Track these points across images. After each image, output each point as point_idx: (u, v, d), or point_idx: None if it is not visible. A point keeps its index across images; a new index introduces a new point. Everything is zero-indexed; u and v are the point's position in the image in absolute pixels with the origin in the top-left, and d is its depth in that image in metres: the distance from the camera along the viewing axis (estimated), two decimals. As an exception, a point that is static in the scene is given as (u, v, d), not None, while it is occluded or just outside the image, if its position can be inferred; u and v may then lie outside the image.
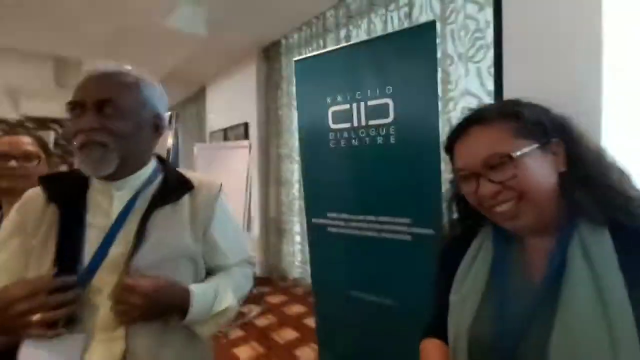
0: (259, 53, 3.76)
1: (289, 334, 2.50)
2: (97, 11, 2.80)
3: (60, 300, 0.61)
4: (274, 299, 3.19)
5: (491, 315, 0.55)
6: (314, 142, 1.60)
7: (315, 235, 1.67)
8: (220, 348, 2.28)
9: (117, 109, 0.67)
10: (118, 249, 0.68)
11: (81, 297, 0.64)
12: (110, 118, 0.67)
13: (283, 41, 3.51)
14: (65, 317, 0.61)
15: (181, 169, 0.85)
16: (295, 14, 3.03)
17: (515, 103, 0.58)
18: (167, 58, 3.79)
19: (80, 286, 0.64)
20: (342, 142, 1.50)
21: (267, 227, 3.84)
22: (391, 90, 1.35)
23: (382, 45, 1.40)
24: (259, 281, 3.61)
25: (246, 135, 3.92)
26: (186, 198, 0.78)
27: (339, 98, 1.49)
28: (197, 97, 5.42)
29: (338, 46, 1.54)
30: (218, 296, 0.75)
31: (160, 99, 0.77)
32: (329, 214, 1.58)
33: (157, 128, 0.77)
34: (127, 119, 0.69)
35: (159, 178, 0.78)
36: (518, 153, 0.51)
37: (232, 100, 4.30)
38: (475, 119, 0.57)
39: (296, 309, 2.97)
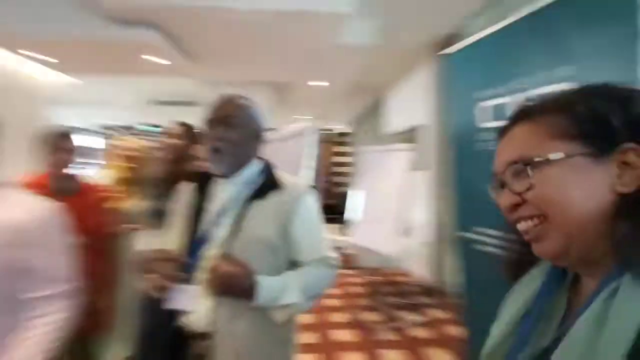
0: (434, 50, 3.58)
1: (439, 356, 2.28)
2: (291, 41, 3.42)
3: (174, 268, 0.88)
4: (435, 313, 2.98)
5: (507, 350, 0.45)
6: (460, 144, 1.42)
7: (462, 251, 1.47)
8: (366, 345, 2.36)
9: (231, 124, 0.91)
10: (220, 232, 0.90)
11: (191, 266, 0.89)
12: (231, 129, 0.90)
13: (460, 32, 3.19)
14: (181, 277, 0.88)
15: (281, 173, 0.99)
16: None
17: (582, 91, 0.40)
18: (346, 71, 4.20)
19: (193, 256, 0.89)
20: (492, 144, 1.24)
21: (439, 235, 3.62)
22: (571, 72, 1.00)
23: (557, 15, 1.06)
24: (422, 290, 3.46)
25: (414, 139, 3.83)
26: (274, 196, 0.91)
27: (491, 91, 1.24)
28: (375, 104, 5.73)
29: (490, 31, 1.28)
30: (285, 292, 0.85)
31: (262, 119, 0.98)
32: (475, 229, 1.35)
33: (257, 139, 0.97)
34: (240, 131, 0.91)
35: (260, 178, 0.95)
36: (542, 158, 0.38)
37: (406, 103, 4.29)
38: (523, 112, 0.42)
39: (454, 328, 2.66)
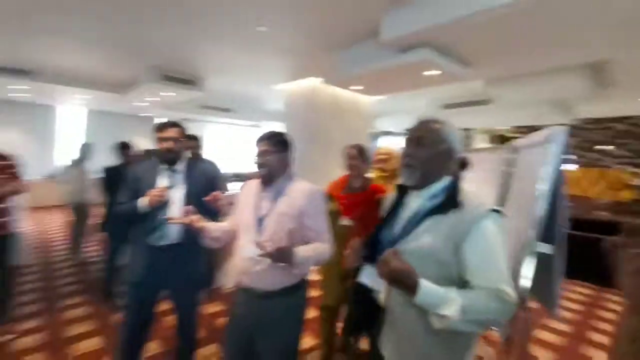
0: None
1: None
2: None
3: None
4: None
5: None
6: None
7: None
8: None
9: (420, 143, 1.05)
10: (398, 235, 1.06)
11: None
12: (421, 148, 1.05)
13: None
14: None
15: (468, 193, 1.02)
16: None
17: None
18: None
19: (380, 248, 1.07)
20: None
21: None
22: None
23: None
24: None
25: None
26: (454, 213, 0.97)
27: None
28: None
29: None
30: (445, 303, 0.88)
31: (456, 139, 1.06)
32: None
33: (448, 158, 1.05)
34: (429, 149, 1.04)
35: (444, 194, 1.02)
36: None
37: None
38: None
39: None
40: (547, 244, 1.57)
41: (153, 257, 1.80)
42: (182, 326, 2.02)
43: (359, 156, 2.16)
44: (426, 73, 3.60)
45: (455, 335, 0.95)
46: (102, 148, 4.97)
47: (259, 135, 1.51)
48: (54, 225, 6.25)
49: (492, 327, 1.01)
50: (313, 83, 5.03)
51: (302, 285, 1.47)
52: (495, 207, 0.98)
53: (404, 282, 0.90)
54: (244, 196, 1.57)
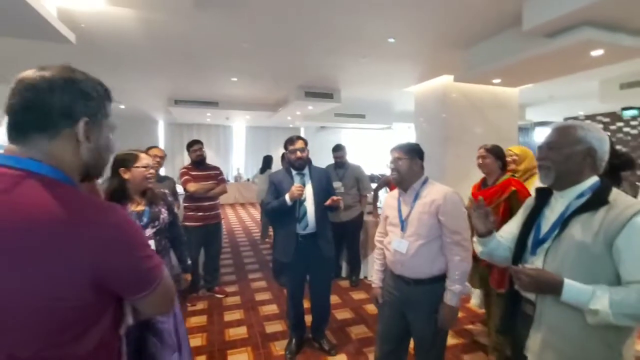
0: None
1: None
2: None
3: None
4: None
5: None
6: None
7: None
8: None
9: (552, 147, 1.13)
10: (551, 236, 1.11)
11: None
12: (552, 151, 1.13)
13: None
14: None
15: (618, 191, 1.05)
16: None
17: None
18: None
19: (532, 251, 1.17)
20: None
21: None
22: None
23: None
24: None
25: None
26: (604, 210, 1.01)
27: None
28: None
29: None
30: (593, 298, 0.94)
31: (596, 139, 1.09)
32: None
33: (588, 157, 1.09)
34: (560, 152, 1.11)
35: (590, 193, 1.07)
36: None
37: None
38: None
39: None
40: None
41: (298, 243, 2.32)
42: (317, 302, 2.49)
43: (488, 155, 2.21)
44: (591, 54, 3.11)
45: (609, 330, 0.97)
46: (260, 156, 6.26)
47: (394, 144, 1.79)
48: (240, 219, 8.11)
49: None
50: (444, 81, 4.95)
51: (444, 276, 1.67)
52: None
53: (548, 286, 1.00)
54: (388, 202, 1.88)
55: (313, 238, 2.34)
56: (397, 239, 1.70)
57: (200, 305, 3.27)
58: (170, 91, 6.50)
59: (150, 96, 6.88)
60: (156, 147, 3.07)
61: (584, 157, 1.08)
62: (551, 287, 1.00)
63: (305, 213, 2.32)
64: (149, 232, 1.77)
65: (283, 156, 4.25)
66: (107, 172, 1.79)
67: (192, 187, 3.24)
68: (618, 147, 8.09)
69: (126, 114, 9.03)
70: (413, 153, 1.72)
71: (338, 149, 3.84)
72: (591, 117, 8.52)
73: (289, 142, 2.40)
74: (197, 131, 10.83)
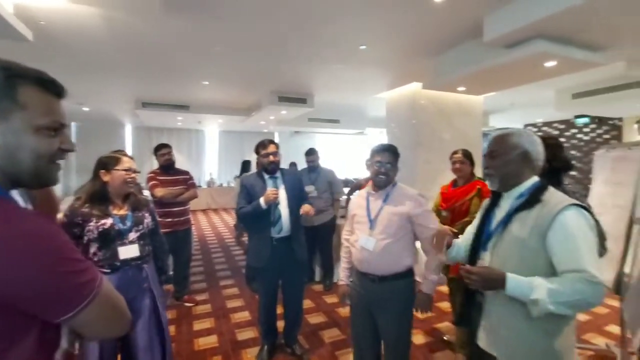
0: None
1: None
2: None
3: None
4: None
5: None
6: None
7: None
8: None
9: (492, 156, 1.26)
10: (496, 233, 1.23)
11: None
12: (494, 159, 1.25)
13: None
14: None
15: (553, 190, 1.17)
16: None
17: None
18: None
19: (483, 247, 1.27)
20: None
21: None
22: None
23: None
24: None
25: None
26: (538, 208, 1.12)
27: None
28: None
29: None
30: (532, 289, 1.02)
31: (529, 142, 1.20)
32: None
33: (524, 160, 1.20)
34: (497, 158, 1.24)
35: (529, 194, 1.17)
36: None
37: None
38: None
39: None
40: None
41: (273, 247, 2.30)
42: (290, 306, 2.47)
43: (465, 160, 2.39)
44: (545, 65, 3.34)
45: (549, 319, 1.05)
46: (233, 161, 6.16)
47: (379, 147, 1.80)
48: (212, 224, 7.91)
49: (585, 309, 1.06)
50: (413, 88, 5.12)
51: (409, 273, 1.75)
52: (579, 203, 1.09)
53: (494, 282, 1.08)
54: (355, 201, 1.93)
55: (287, 241, 2.33)
56: (364, 237, 1.76)
57: (168, 315, 3.14)
58: (138, 93, 6.27)
59: (116, 98, 6.60)
60: (120, 151, 2.94)
61: (521, 160, 1.20)
62: (496, 282, 1.07)
63: (279, 216, 2.31)
64: (132, 236, 1.71)
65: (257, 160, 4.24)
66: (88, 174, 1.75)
67: (160, 192, 3.13)
68: (573, 152, 8.60)
69: (90, 116, 8.61)
70: (397, 156, 1.80)
71: (310, 153, 3.86)
72: (548, 124, 9.10)
73: (261, 146, 2.38)
74: (167, 135, 10.51)
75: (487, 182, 1.31)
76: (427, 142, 5.09)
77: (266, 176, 2.39)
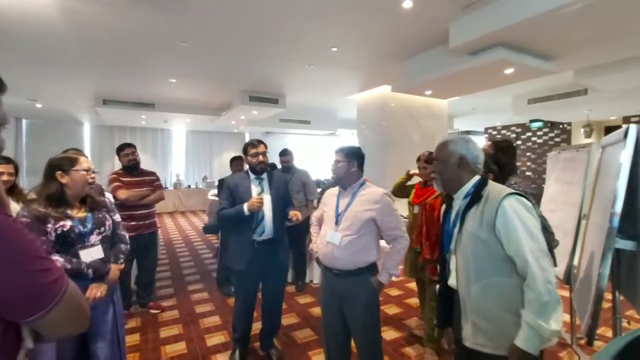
0: None
1: None
2: None
3: None
4: None
5: None
6: None
7: None
8: None
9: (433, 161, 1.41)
10: (455, 230, 1.33)
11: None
12: (435, 165, 1.40)
13: None
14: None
15: (493, 184, 1.28)
16: None
17: None
18: None
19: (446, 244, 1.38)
20: None
21: None
22: None
23: None
24: None
25: None
26: (483, 203, 1.23)
27: None
28: None
29: None
30: (528, 328, 1.09)
31: (465, 148, 1.31)
32: None
33: (462, 164, 1.31)
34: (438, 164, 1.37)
35: (472, 192, 1.28)
36: None
37: None
38: None
39: None
40: (631, 241, 1.57)
41: (254, 250, 2.25)
42: (270, 310, 2.44)
43: (427, 166, 2.46)
44: (504, 72, 3.55)
45: (519, 302, 1.14)
46: (201, 162, 5.94)
47: (336, 147, 1.91)
48: (180, 228, 7.61)
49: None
50: (383, 91, 5.25)
51: (371, 267, 1.81)
52: (516, 191, 1.20)
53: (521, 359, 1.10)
54: (327, 197, 1.99)
55: (270, 244, 2.27)
56: (330, 232, 1.83)
57: (132, 323, 2.99)
58: (98, 90, 5.92)
59: (74, 94, 6.19)
60: (75, 149, 2.75)
61: (458, 165, 1.31)
62: (522, 355, 1.09)
63: (262, 219, 2.25)
64: (94, 238, 1.62)
65: (232, 161, 4.09)
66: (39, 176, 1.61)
67: (124, 194, 2.97)
68: (528, 154, 9.14)
69: (44, 113, 8.01)
70: (351, 157, 1.84)
71: (285, 154, 3.84)
72: (507, 127, 9.67)
73: (251, 145, 2.32)
74: (130, 134, 10.01)
75: (434, 185, 1.42)
76: (397, 143, 5.24)
77: (252, 176, 2.34)
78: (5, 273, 0.53)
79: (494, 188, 1.25)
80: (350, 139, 11.16)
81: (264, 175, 2.37)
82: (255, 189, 2.27)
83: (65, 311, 0.60)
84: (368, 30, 3.32)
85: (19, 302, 0.56)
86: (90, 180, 1.64)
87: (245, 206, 2.17)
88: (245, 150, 2.36)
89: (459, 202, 1.33)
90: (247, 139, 10.69)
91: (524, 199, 1.19)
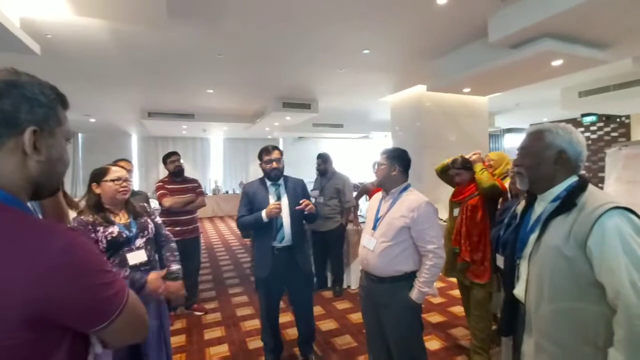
0: None
1: None
2: None
3: None
4: None
5: None
6: None
7: None
8: None
9: (524, 154, 1.16)
10: (532, 239, 1.12)
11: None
12: (524, 158, 1.15)
13: None
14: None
15: (594, 191, 1.04)
16: None
17: None
18: None
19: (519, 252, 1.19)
20: None
21: None
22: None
23: None
24: None
25: None
26: (574, 212, 1.00)
27: None
28: None
29: None
30: None
31: (566, 142, 1.08)
32: None
33: (559, 161, 1.08)
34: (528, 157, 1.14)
35: (565, 196, 1.05)
36: None
37: None
38: None
39: None
40: None
41: (274, 256, 2.22)
42: (301, 317, 2.42)
43: (458, 171, 2.41)
44: (551, 64, 3.31)
45: (599, 333, 0.95)
46: (238, 168, 6.09)
47: (375, 152, 1.88)
48: (219, 232, 7.91)
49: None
50: (418, 91, 5.11)
51: (408, 277, 1.72)
52: (624, 205, 0.94)
53: None
54: (372, 201, 1.97)
55: (289, 251, 2.25)
56: (367, 236, 1.80)
57: (178, 324, 3.13)
58: (143, 103, 6.33)
59: (122, 109, 6.67)
60: (124, 159, 2.96)
61: (554, 161, 1.08)
62: None
63: (281, 225, 2.24)
64: (139, 242, 1.73)
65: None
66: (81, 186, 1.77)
67: (168, 201, 3.14)
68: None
69: (97, 127, 8.70)
70: (394, 160, 1.79)
71: (317, 157, 3.86)
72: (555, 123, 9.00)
73: (265, 152, 2.30)
74: (172, 144, 10.57)
75: (517, 181, 1.18)
76: (433, 144, 5.06)
77: (268, 183, 2.32)
78: (73, 288, 0.56)
79: (593, 196, 1.01)
80: (384, 141, 10.98)
81: (280, 182, 2.34)
82: (272, 197, 2.26)
83: (127, 321, 0.63)
84: (401, 29, 3.24)
85: (84, 315, 0.59)
86: (121, 190, 1.73)
87: (264, 213, 2.15)
88: (259, 156, 2.33)
89: (543, 204, 1.12)
90: (281, 145, 10.91)
91: (634, 217, 0.94)
